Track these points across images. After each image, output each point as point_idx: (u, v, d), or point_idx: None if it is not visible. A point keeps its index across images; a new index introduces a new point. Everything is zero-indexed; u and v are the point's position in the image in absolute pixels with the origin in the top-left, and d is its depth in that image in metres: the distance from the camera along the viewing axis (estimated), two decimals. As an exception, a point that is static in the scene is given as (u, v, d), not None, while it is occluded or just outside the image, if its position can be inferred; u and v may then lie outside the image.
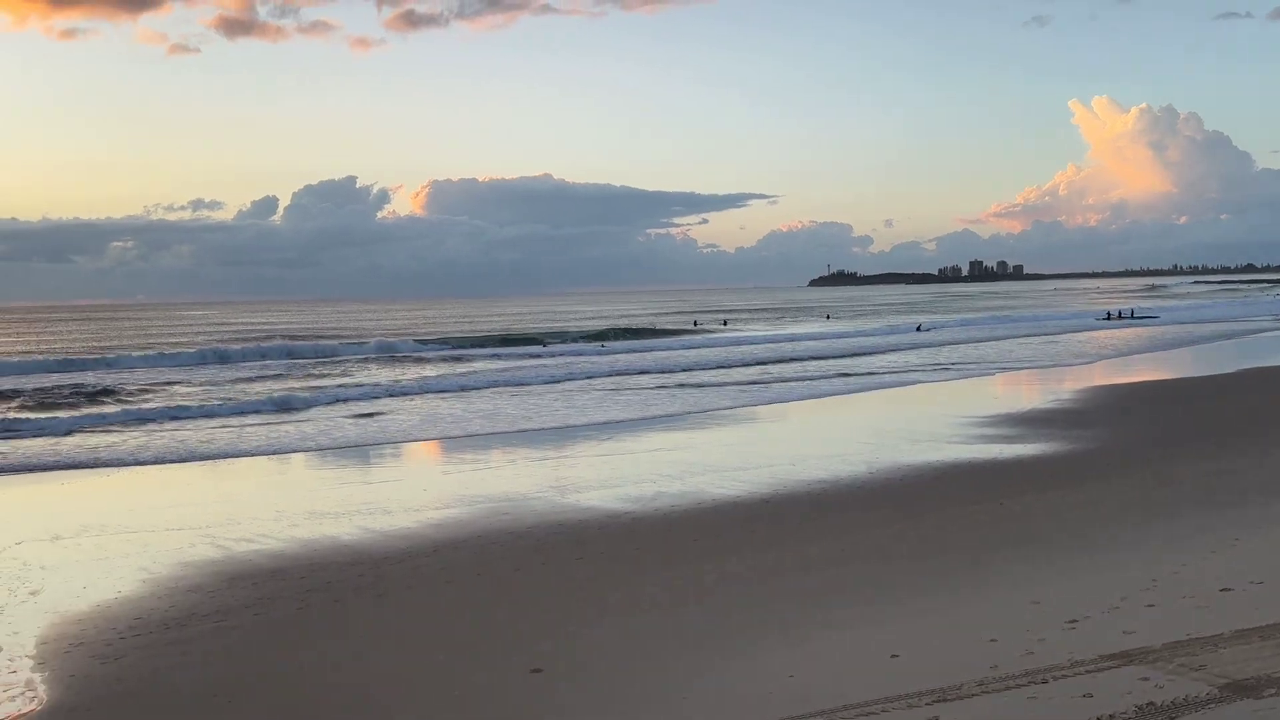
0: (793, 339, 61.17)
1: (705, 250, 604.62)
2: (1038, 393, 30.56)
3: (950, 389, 32.19)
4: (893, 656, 7.94)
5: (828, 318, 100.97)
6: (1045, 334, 60.23)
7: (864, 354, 47.07)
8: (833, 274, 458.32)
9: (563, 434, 24.04)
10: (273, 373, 43.11)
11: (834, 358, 45.06)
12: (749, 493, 15.77)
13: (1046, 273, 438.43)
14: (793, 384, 34.35)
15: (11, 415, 29.09)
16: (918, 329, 67.18)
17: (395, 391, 34.00)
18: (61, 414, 28.97)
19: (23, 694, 8.34)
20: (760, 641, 8.79)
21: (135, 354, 54.70)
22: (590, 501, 15.57)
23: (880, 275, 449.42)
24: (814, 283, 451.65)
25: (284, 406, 29.99)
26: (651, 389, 33.38)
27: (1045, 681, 6.90)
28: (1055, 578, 10.10)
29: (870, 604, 9.72)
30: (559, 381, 37.23)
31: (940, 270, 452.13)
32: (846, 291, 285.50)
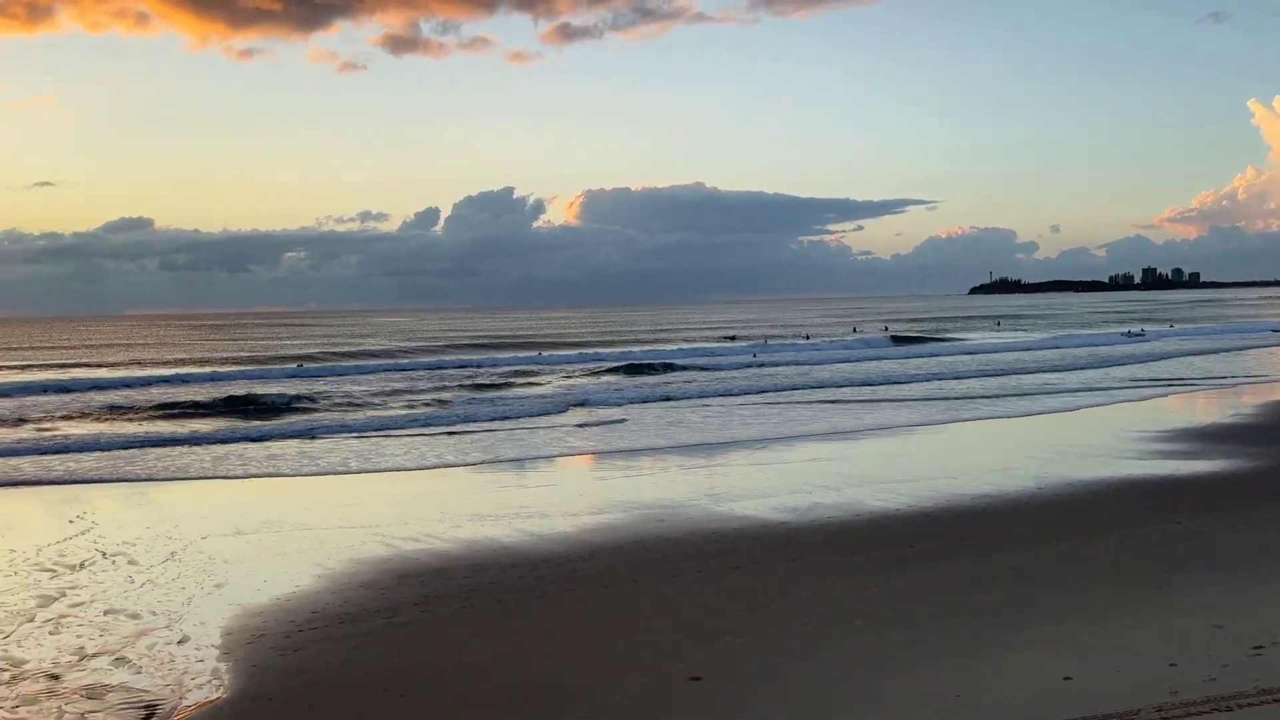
0: (992, 348, 58.10)
1: (860, 257, 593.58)
2: (1216, 407, 28.94)
3: (1127, 404, 30.78)
4: (1065, 679, 7.63)
5: (998, 324, 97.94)
6: (1235, 348, 56.33)
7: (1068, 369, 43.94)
8: (995, 281, 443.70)
9: (714, 442, 24.04)
10: (457, 381, 43.97)
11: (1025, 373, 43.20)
12: (909, 506, 15.43)
13: (1225, 280, 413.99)
14: (980, 400, 33.47)
15: (202, 425, 30.88)
16: (1129, 334, 64.33)
17: (591, 400, 34.10)
18: (259, 422, 30.64)
19: (210, 682, 8.82)
20: (924, 659, 8.57)
21: (319, 364, 56.98)
22: (745, 510, 15.51)
23: (1046, 283, 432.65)
24: (975, 290, 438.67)
25: (453, 415, 30.86)
26: (833, 402, 32.99)
27: (1229, 709, 6.53)
28: (1238, 601, 9.55)
29: (1041, 624, 9.37)
30: (737, 395, 37.21)
31: (1111, 278, 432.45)
32: (1011, 299, 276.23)
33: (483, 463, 21.72)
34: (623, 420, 28.89)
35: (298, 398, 36.00)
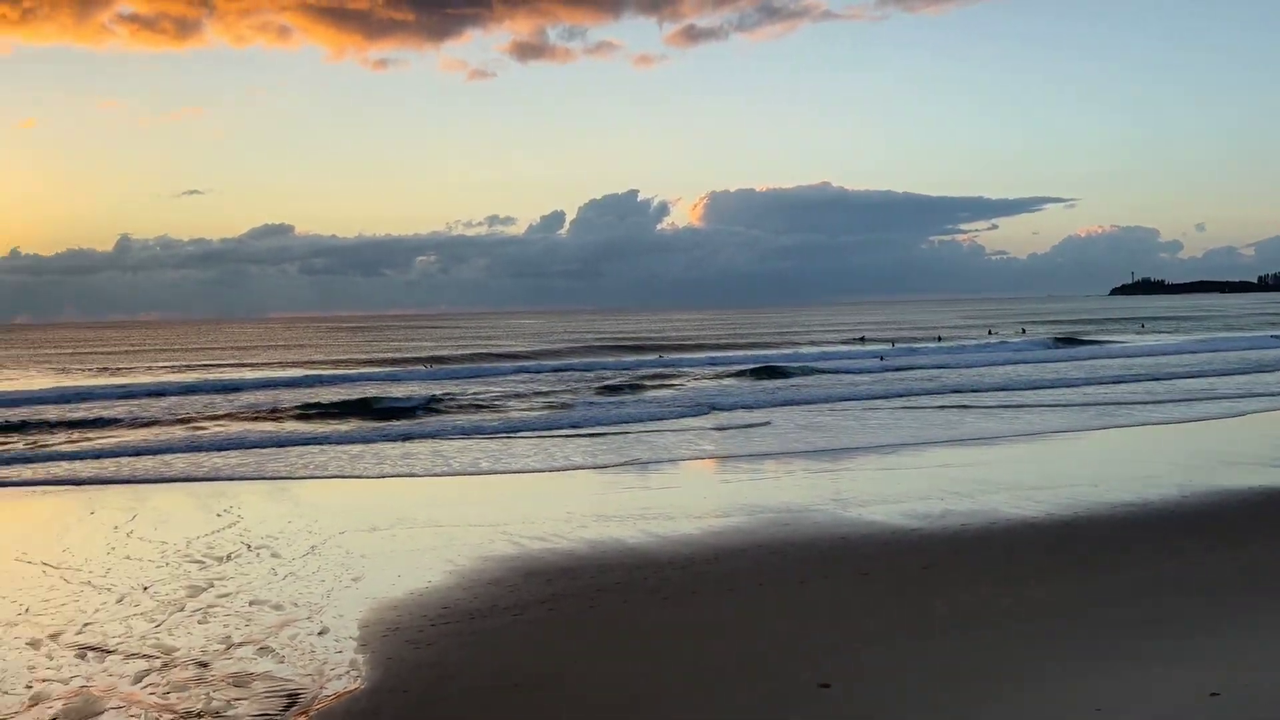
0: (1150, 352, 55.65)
1: (994, 257, 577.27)
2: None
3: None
4: (1212, 695, 7.30)
5: (1142, 326, 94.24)
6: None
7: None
8: (1137, 282, 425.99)
9: (842, 447, 23.73)
10: (585, 383, 44.29)
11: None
12: (1047, 514, 14.95)
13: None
14: (1137, 407, 32.32)
15: (338, 425, 31.94)
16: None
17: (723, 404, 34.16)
18: (392, 423, 31.54)
19: (348, 673, 9.11)
20: (1062, 672, 8.30)
21: (449, 366, 58.39)
22: (874, 516, 15.26)
23: (1191, 283, 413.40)
24: (1116, 291, 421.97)
25: (581, 417, 31.20)
26: (973, 408, 32.27)
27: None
28: None
29: (1187, 637, 8.97)
30: (865, 399, 36.73)
31: (1260, 278, 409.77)
32: (1155, 301, 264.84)
33: (609, 465, 21.89)
34: (748, 424, 28.76)
35: (430, 399, 36.84)
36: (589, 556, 13.32)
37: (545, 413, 32.47)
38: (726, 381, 43.86)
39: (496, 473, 21.01)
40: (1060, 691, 7.84)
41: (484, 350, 75.87)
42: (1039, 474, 18.91)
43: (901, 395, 35.91)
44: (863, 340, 77.85)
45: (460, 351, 75.40)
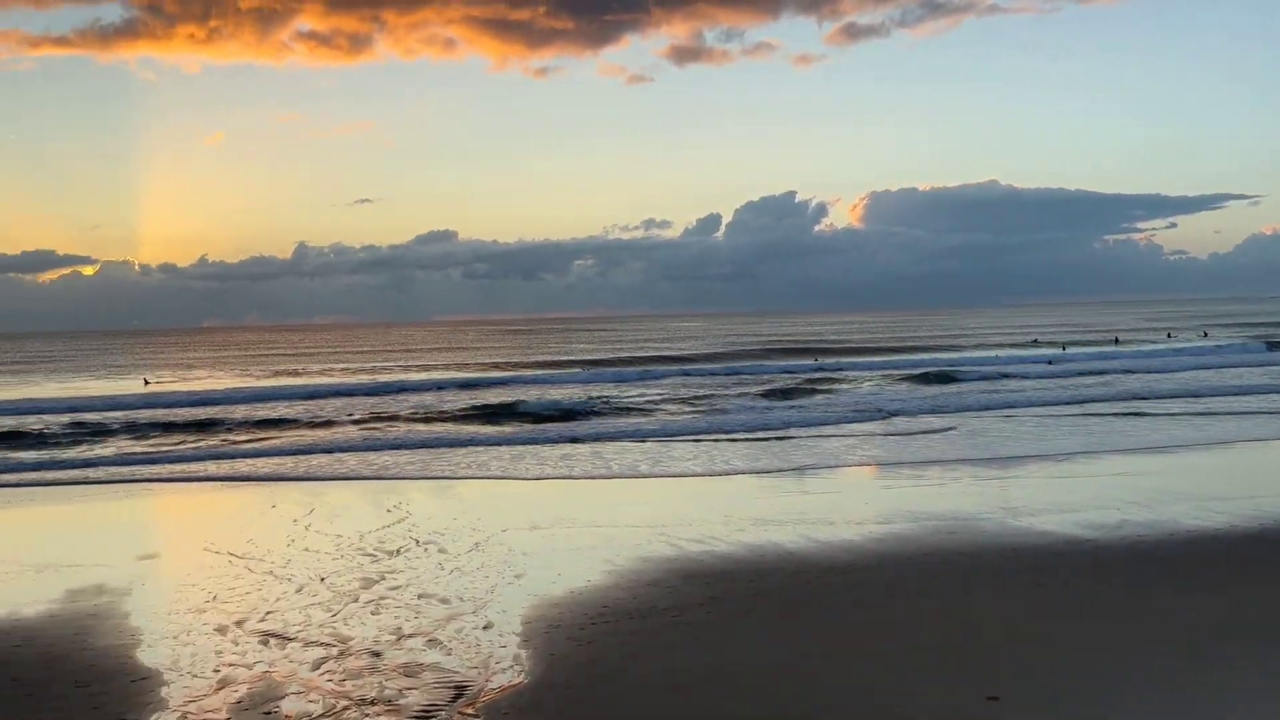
0: None
1: (1172, 257, 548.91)
2: None
3: None
4: None
5: None
6: None
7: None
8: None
9: (1010, 454, 22.95)
10: (743, 387, 44.07)
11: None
12: (1230, 525, 14.11)
13: None
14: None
15: (500, 428, 32.75)
16: None
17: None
18: (552, 425, 32.17)
19: (512, 667, 9.31)
20: (1246, 691, 7.81)
21: (608, 369, 59.13)
22: (1045, 525, 14.69)
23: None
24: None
25: (740, 421, 31.11)
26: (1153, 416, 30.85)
27: None
28: None
29: (1396, 665, 8.31)
30: (1035, 405, 35.57)
31: None
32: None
33: (768, 470, 21.75)
34: (912, 431, 28.15)
35: (589, 402, 37.39)
36: (747, 560, 13.26)
37: (704, 416, 32.52)
38: (889, 386, 43.00)
39: (655, 476, 21.13)
40: (1242, 711, 7.37)
41: (641, 354, 76.48)
42: (1223, 484, 17.87)
43: (1075, 402, 34.50)
44: (1035, 343, 75.10)
45: (617, 354, 76.26)
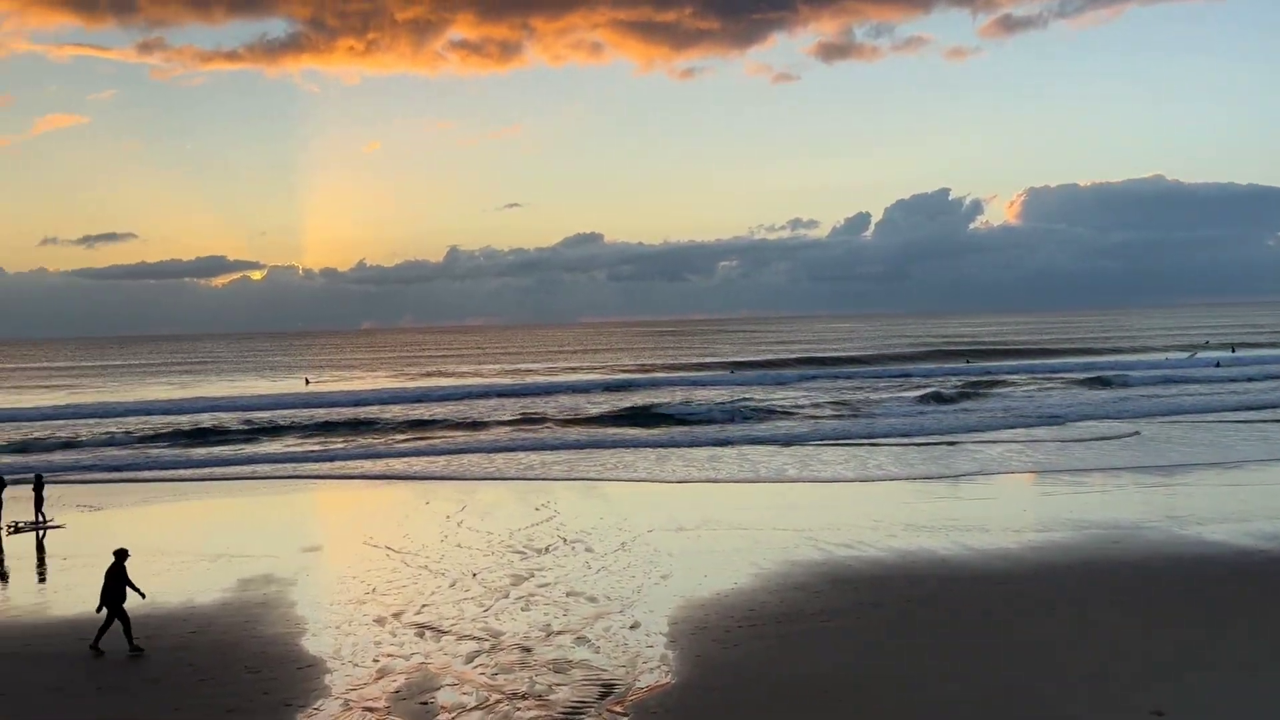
0: None
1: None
2: None
3: None
4: None
5: None
6: None
7: None
8: None
9: (1177, 462, 21.86)
10: (898, 389, 43.05)
11: None
12: None
13: None
14: None
15: (643, 431, 32.95)
16: None
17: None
18: (696, 428, 32.21)
19: (659, 667, 9.33)
20: None
21: (754, 371, 58.74)
22: (1214, 535, 13.94)
23: None
24: None
25: (895, 426, 30.50)
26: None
27: None
28: None
29: None
30: (1202, 411, 33.85)
31: None
32: None
33: (921, 474, 21.26)
34: (1076, 437, 27.17)
35: (736, 404, 37.22)
36: (898, 566, 12.99)
37: (854, 420, 31.99)
38: (1051, 390, 41.32)
39: (804, 481, 20.85)
40: None
41: (788, 356, 75.75)
42: None
43: (1246, 407, 32.66)
44: (1206, 345, 71.35)
45: (763, 357, 75.76)
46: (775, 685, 8.78)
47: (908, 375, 51.12)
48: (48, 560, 15.22)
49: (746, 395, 41.40)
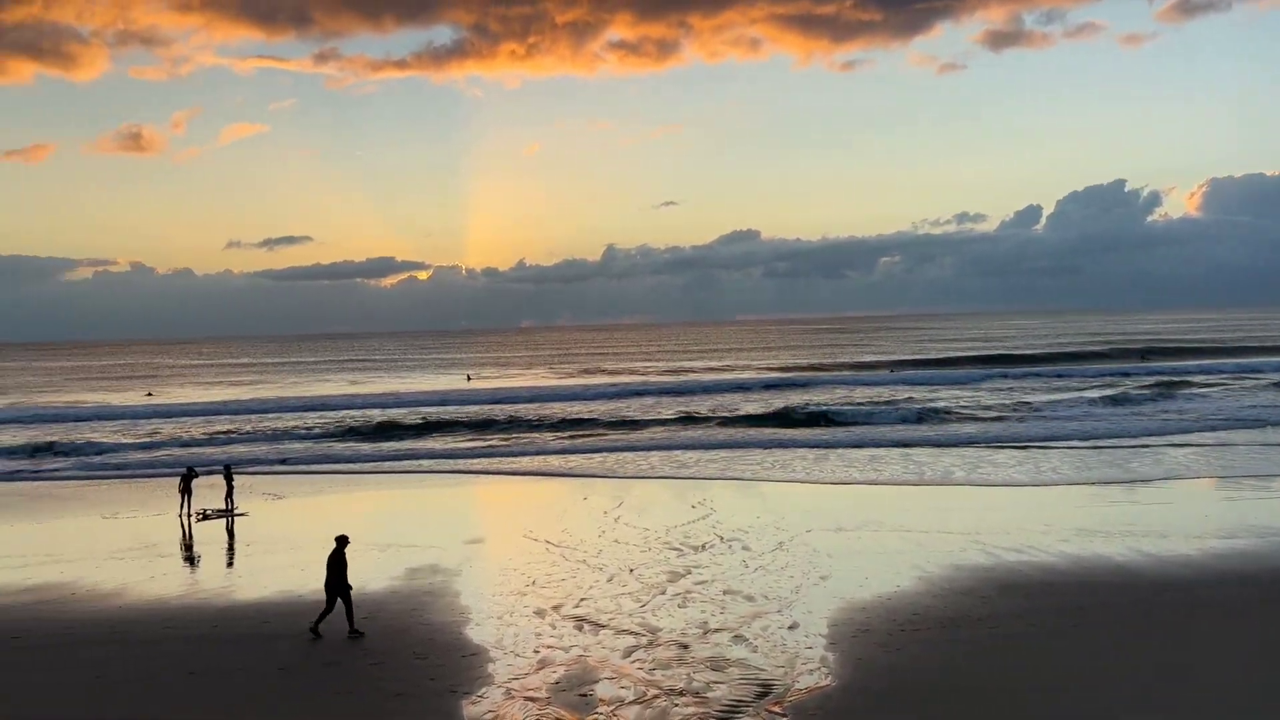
0: None
1: None
2: None
3: None
4: None
5: None
6: None
7: None
8: None
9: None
10: (1077, 389, 41.22)
11: None
12: None
13: None
14: None
15: (799, 432, 32.61)
16: None
17: None
18: (861, 429, 31.71)
19: (818, 669, 9.19)
20: None
21: (917, 371, 57.34)
22: None
23: None
24: None
25: (1076, 429, 29.35)
26: None
27: None
28: None
29: None
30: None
31: None
32: None
33: (1098, 480, 20.35)
34: (1262, 443, 25.58)
35: (896, 403, 36.44)
36: (1070, 572, 12.46)
37: (1026, 422, 30.81)
38: (1242, 392, 38.80)
39: (972, 484, 20.16)
40: None
41: (953, 354, 73.62)
42: None
43: None
44: None
45: (926, 355, 73.91)
46: (939, 691, 8.53)
47: (1084, 375, 48.71)
48: (235, 546, 16.08)
49: (909, 395, 40.45)
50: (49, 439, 32.29)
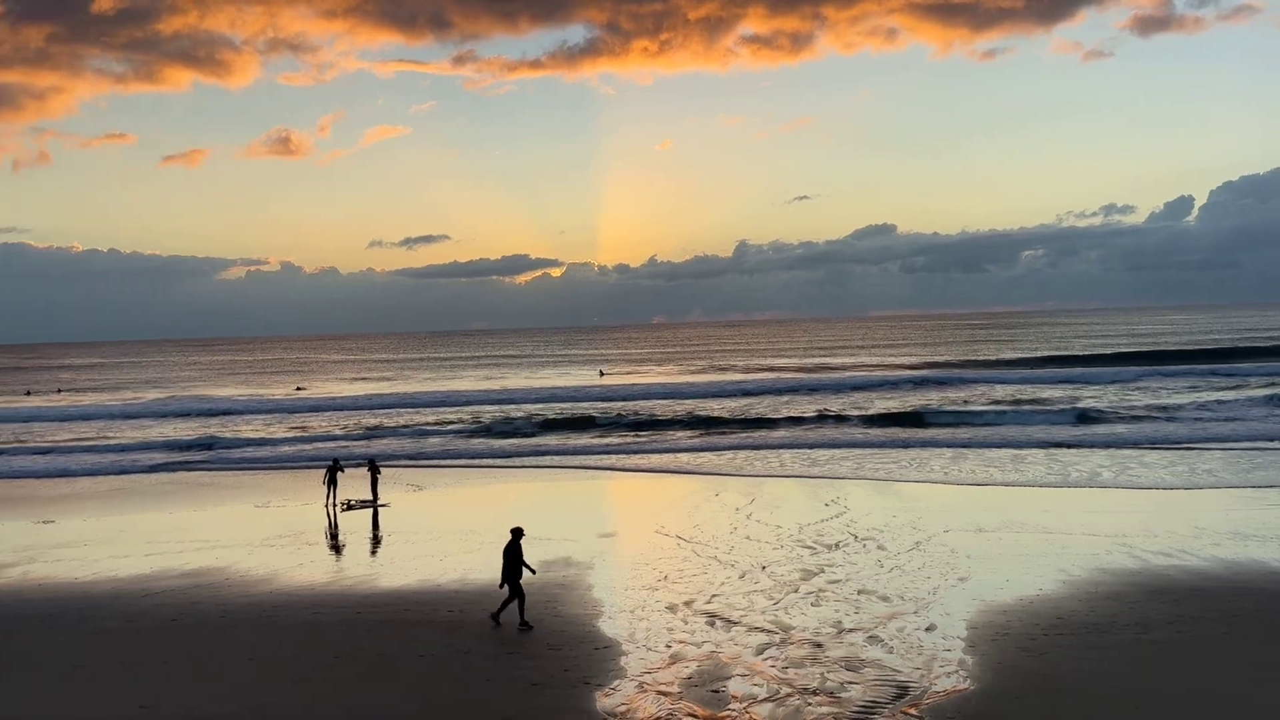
0: None
1: None
2: None
3: None
4: None
5: None
6: None
7: None
8: None
9: None
10: (1262, 389, 39.35)
11: None
12: None
13: None
14: None
15: (939, 431, 31.91)
16: None
17: None
18: (1009, 429, 30.89)
19: (957, 672, 8.99)
20: None
21: (1082, 369, 55.53)
22: None
23: None
24: None
25: (1245, 431, 28.00)
26: None
27: None
28: None
29: None
30: None
31: None
32: None
33: (1259, 484, 19.33)
34: None
35: (1039, 402, 35.36)
36: (1223, 577, 11.89)
37: (1177, 421, 29.44)
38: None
39: (1119, 486, 19.35)
40: None
41: (1101, 351, 70.86)
42: None
43: None
44: None
45: (1071, 352, 71.39)
46: (1082, 698, 8.26)
47: (1242, 373, 46.08)
48: (379, 535, 16.64)
49: (1051, 393, 39.15)
50: (208, 431, 34.16)
